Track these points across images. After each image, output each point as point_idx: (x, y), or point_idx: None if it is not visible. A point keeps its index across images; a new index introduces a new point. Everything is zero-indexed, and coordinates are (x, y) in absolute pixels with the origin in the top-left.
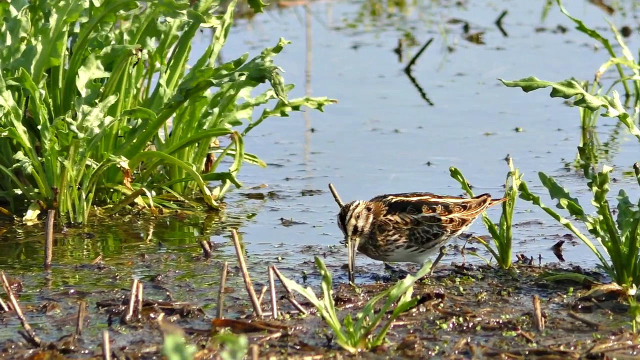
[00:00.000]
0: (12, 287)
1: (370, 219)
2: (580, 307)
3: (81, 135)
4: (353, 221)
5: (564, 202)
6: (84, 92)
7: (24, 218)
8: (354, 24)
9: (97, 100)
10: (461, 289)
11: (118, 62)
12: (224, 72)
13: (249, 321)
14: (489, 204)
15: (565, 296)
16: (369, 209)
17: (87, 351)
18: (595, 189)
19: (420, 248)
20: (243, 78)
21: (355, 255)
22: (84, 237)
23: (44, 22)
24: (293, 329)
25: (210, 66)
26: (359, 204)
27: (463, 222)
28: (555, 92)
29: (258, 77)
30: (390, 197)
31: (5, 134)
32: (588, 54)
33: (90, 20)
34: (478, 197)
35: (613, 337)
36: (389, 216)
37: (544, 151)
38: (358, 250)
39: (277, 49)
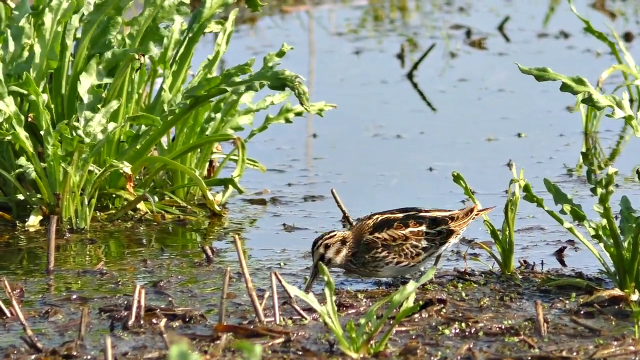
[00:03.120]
0: (14, 292)
1: (343, 252)
2: (582, 312)
3: (87, 140)
4: (321, 250)
5: (567, 207)
6: (86, 98)
7: (26, 224)
8: (356, 30)
9: (99, 106)
10: (463, 294)
11: (120, 67)
12: (236, 79)
13: (252, 327)
14: (476, 214)
15: (567, 302)
16: (343, 242)
17: (89, 357)
18: (599, 190)
19: (410, 263)
20: (261, 86)
21: (314, 282)
22: (87, 242)
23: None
24: (295, 335)
25: (213, 73)
26: (335, 234)
27: (451, 233)
28: (564, 87)
29: (278, 85)
30: (376, 217)
31: (8, 138)
32: (590, 60)
33: (90, 22)
34: (464, 208)
35: (615, 343)
36: (376, 234)
37: (546, 156)
38: (346, 271)
39: (280, 54)
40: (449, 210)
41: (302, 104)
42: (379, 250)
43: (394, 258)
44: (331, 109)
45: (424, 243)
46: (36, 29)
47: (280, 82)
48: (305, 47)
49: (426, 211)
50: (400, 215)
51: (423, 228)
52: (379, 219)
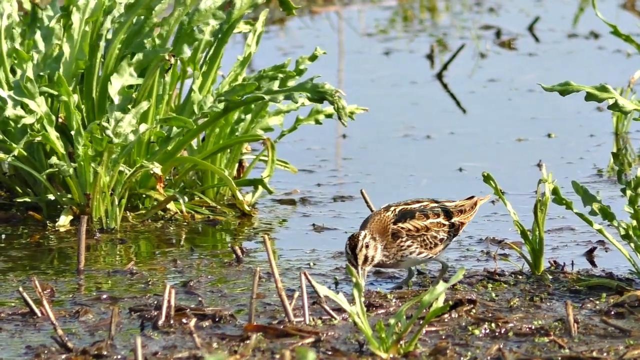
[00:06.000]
0: (45, 292)
1: (379, 248)
2: (613, 313)
3: (116, 140)
4: (364, 250)
5: (596, 205)
6: (116, 99)
7: (56, 224)
8: (385, 30)
9: (129, 107)
10: (493, 294)
11: (151, 68)
12: (273, 86)
13: (281, 327)
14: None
15: (597, 302)
16: (374, 239)
17: (119, 356)
18: (629, 192)
19: (429, 254)
20: (302, 99)
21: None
22: (117, 242)
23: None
24: (325, 335)
25: (243, 74)
26: (364, 234)
27: (461, 225)
28: (589, 97)
29: (318, 98)
30: (393, 208)
31: (38, 139)
32: (621, 60)
33: (121, 24)
34: (468, 198)
35: None
36: (399, 224)
37: (576, 157)
38: (376, 268)
39: (313, 58)
40: (453, 201)
41: (340, 118)
42: (404, 239)
43: (416, 248)
44: (360, 112)
45: (442, 234)
46: (66, 30)
47: (319, 95)
48: (335, 47)
49: (437, 202)
50: (416, 205)
51: (441, 219)
52: (397, 210)
